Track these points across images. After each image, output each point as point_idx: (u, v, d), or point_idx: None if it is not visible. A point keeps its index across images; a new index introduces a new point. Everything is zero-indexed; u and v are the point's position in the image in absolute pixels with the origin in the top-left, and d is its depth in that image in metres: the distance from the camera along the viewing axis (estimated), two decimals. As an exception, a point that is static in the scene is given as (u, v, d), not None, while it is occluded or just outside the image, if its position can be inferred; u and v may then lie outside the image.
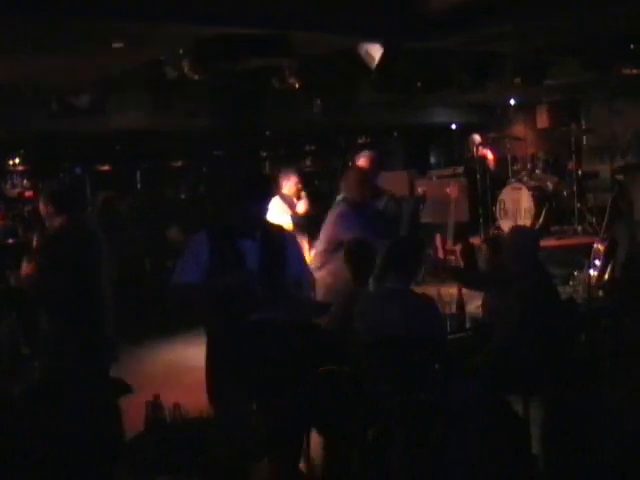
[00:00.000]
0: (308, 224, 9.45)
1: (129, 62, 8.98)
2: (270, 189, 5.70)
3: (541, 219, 12.89)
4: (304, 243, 9.00)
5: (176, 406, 3.99)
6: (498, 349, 6.16)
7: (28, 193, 13.73)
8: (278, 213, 9.24)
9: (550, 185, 13.53)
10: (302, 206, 9.74)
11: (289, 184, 9.83)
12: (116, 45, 7.82)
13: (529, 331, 6.04)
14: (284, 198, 9.70)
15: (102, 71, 9.47)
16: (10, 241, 12.60)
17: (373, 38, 8.58)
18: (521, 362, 5.91)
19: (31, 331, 8.68)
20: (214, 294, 5.14)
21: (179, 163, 15.91)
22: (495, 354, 6.15)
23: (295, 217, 9.53)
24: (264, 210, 5.33)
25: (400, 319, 5.82)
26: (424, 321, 5.87)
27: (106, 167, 14.69)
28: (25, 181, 14.07)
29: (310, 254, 8.53)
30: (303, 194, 9.85)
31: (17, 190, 13.96)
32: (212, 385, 5.14)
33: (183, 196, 15.26)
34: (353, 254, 6.93)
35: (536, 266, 6.53)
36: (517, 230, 8.03)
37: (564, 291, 8.37)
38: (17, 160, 14.11)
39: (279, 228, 5.73)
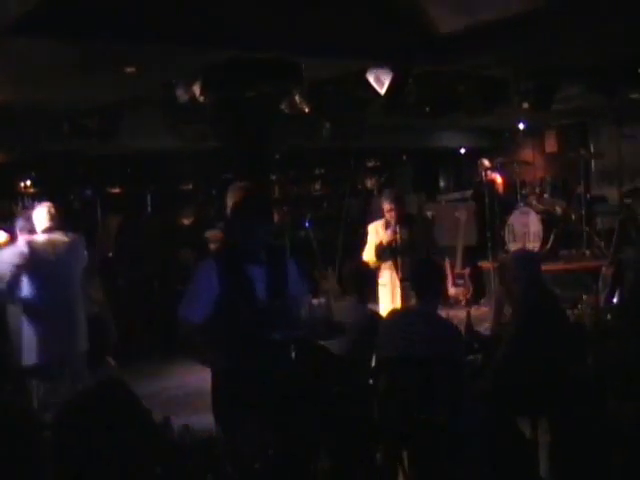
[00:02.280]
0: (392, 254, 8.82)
1: (141, 86, 9.06)
2: (270, 211, 5.69)
3: (549, 243, 12.90)
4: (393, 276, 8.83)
5: (185, 427, 4.02)
6: (503, 371, 6.17)
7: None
8: (370, 242, 9.02)
9: (558, 209, 13.55)
10: (386, 236, 8.91)
11: (385, 210, 9.06)
12: (128, 69, 7.90)
13: (533, 352, 6.05)
14: (388, 225, 9.03)
15: (114, 94, 9.55)
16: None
17: (382, 61, 8.64)
18: (526, 384, 5.92)
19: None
20: (223, 328, 5.13)
21: (189, 186, 15.99)
22: (500, 376, 6.16)
23: (379, 248, 8.88)
24: (268, 233, 5.34)
25: (422, 340, 5.85)
26: (447, 345, 5.90)
27: (117, 189, 14.77)
28: (36, 203, 14.12)
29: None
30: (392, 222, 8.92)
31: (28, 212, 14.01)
32: (219, 406, 5.17)
33: (192, 218, 15.32)
34: (353, 277, 7.02)
35: (538, 288, 6.55)
36: (517, 253, 8.10)
37: (572, 314, 8.39)
38: (28, 182, 14.20)
39: (280, 248, 5.77)
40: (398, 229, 8.81)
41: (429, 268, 6.56)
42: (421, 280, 6.24)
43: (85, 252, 8.09)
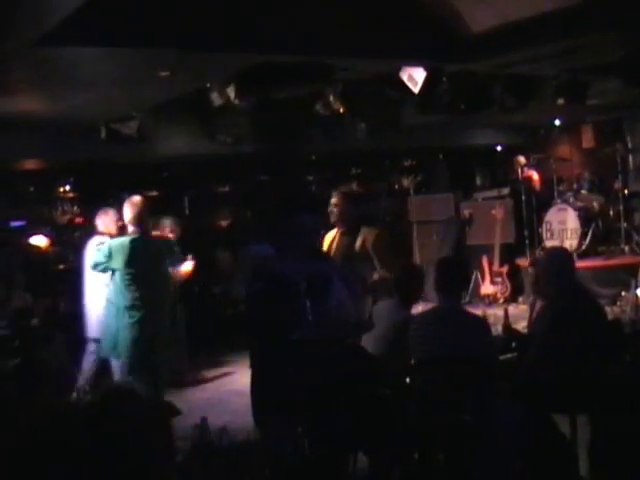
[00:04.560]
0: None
1: (175, 90, 9.12)
2: (317, 208, 5.68)
3: (587, 239, 12.83)
4: None
5: (223, 429, 4.05)
6: (539, 368, 6.16)
7: (78, 219, 13.96)
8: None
9: (596, 205, 13.47)
10: None
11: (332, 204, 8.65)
12: (162, 74, 7.95)
13: (570, 350, 6.03)
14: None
15: (149, 99, 9.62)
16: (61, 267, 12.78)
17: (415, 61, 8.63)
18: (564, 381, 5.90)
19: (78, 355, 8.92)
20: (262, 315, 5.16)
21: (226, 188, 16.06)
22: (537, 373, 6.15)
23: None
24: (312, 227, 5.31)
25: (451, 337, 5.87)
26: (475, 339, 5.91)
27: (154, 193, 14.86)
28: (75, 208, 14.30)
29: None
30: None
31: (67, 217, 14.19)
32: (257, 407, 5.20)
33: (229, 220, 15.37)
34: (404, 280, 7.01)
35: (573, 285, 6.53)
36: (550, 252, 8.08)
37: (612, 311, 8.34)
38: (67, 187, 14.34)
39: (325, 251, 5.76)
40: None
41: (451, 266, 6.61)
42: (444, 278, 6.26)
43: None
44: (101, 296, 8.69)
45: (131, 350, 7.94)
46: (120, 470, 2.81)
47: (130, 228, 8.04)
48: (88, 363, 9.19)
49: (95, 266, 8.20)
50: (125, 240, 8.04)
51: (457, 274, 6.48)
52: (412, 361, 6.18)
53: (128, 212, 8.06)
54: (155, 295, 8.09)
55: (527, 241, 13.26)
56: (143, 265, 8.02)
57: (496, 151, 17.25)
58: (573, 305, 6.26)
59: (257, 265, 5.18)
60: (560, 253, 7.45)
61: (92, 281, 8.98)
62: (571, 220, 12.92)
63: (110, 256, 8.01)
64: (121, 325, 7.97)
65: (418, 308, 7.25)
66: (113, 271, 8.09)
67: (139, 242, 8.02)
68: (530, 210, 13.37)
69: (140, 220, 8.02)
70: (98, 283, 8.81)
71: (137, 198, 8.20)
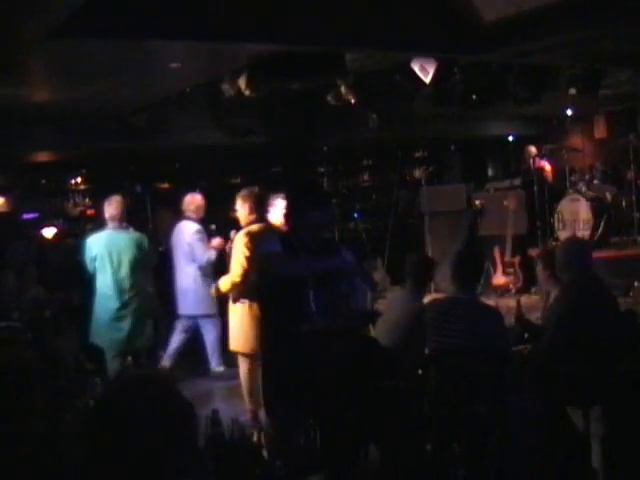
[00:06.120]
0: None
1: (187, 82, 9.12)
2: (327, 199, 5.67)
3: (600, 230, 12.76)
4: None
5: (234, 421, 4.04)
6: (551, 359, 6.14)
7: (90, 211, 13.99)
8: None
9: (609, 196, 13.39)
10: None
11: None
12: (173, 65, 7.95)
13: (583, 341, 6.01)
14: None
15: (161, 91, 9.62)
16: (73, 258, 12.81)
17: (427, 52, 8.61)
18: (577, 373, 5.88)
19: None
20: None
21: (238, 180, 16.05)
22: (549, 364, 6.13)
23: None
24: (322, 221, 5.28)
25: (466, 328, 5.85)
26: (490, 331, 5.90)
27: (166, 185, 14.87)
28: (87, 200, 14.33)
29: None
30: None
31: (79, 209, 14.23)
32: (268, 399, 5.19)
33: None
34: (415, 269, 6.99)
35: (588, 275, 6.52)
36: (568, 240, 8.05)
37: (624, 302, 8.30)
38: (79, 179, 14.37)
39: (335, 242, 5.74)
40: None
41: (468, 257, 6.59)
42: (461, 269, 6.24)
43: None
44: (196, 274, 9.51)
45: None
46: (141, 456, 2.79)
47: (110, 224, 8.50)
48: (175, 342, 9.79)
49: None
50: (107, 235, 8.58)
51: (474, 266, 6.46)
52: (426, 350, 6.17)
53: (110, 209, 8.51)
54: (132, 286, 8.64)
55: (539, 232, 13.21)
56: (121, 258, 8.57)
57: (508, 142, 17.19)
58: (586, 296, 6.25)
59: (266, 259, 5.18)
60: (577, 243, 7.45)
61: (186, 261, 9.56)
62: (583, 211, 12.86)
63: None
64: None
65: (428, 297, 7.25)
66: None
67: (118, 237, 8.58)
68: (542, 201, 13.32)
69: (120, 217, 8.49)
70: (191, 262, 9.55)
71: (117, 197, 8.63)
